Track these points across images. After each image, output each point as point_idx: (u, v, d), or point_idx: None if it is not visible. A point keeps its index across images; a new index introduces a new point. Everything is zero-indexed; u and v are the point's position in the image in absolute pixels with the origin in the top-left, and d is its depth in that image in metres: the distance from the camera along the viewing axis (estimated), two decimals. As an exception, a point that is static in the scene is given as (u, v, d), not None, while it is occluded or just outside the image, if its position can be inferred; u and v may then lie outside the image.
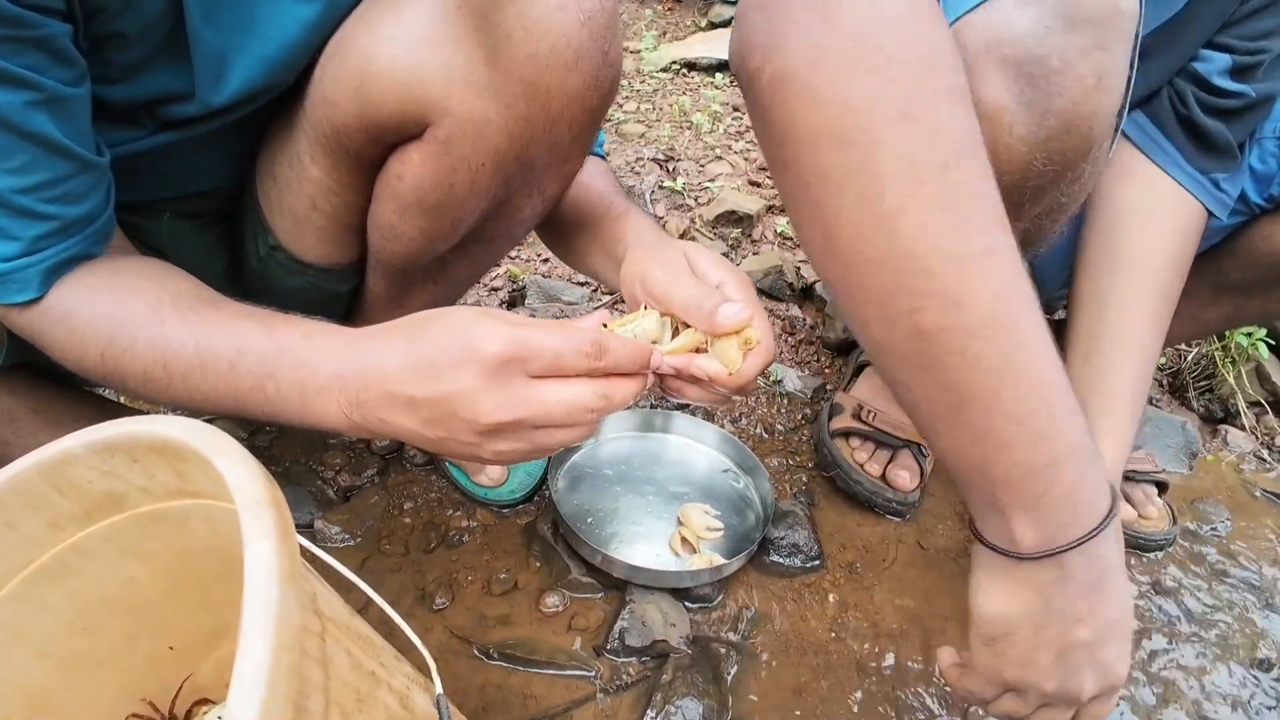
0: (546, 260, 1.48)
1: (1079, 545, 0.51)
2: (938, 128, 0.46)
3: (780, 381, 1.20)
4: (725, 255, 1.46)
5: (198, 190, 0.72)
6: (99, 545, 0.46)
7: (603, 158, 0.86)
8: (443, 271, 0.78)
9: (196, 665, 0.56)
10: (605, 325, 0.57)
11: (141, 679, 0.53)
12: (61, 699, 0.48)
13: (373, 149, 0.63)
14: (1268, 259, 0.90)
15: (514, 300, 1.35)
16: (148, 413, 0.64)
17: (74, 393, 0.77)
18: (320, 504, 0.92)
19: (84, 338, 0.54)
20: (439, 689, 0.48)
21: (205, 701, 0.56)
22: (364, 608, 0.62)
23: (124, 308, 0.55)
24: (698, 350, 0.58)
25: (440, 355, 0.47)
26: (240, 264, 0.79)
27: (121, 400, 0.89)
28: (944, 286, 0.47)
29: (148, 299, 0.55)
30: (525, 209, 0.72)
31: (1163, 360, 1.42)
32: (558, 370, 0.49)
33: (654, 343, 0.58)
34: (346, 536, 0.88)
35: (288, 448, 0.99)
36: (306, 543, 0.49)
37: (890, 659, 0.82)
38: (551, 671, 0.76)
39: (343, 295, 0.81)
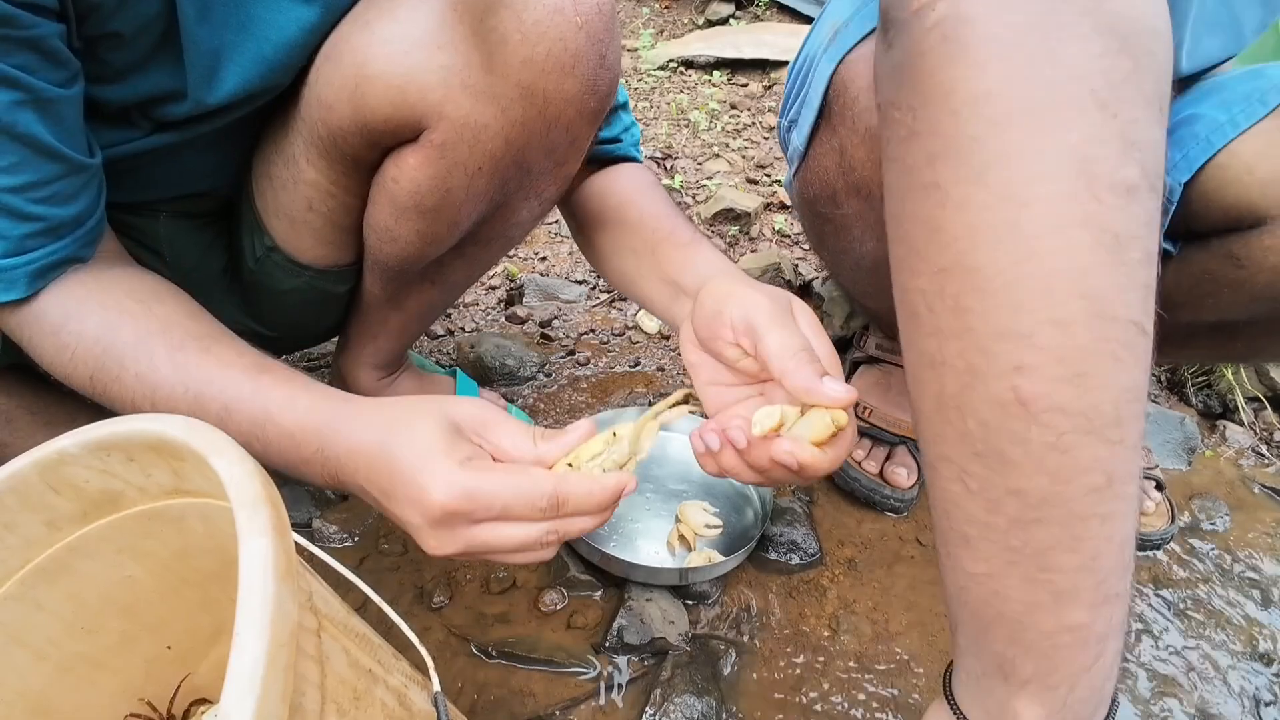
0: (544, 259, 1.48)
1: None
2: (1135, 139, 0.34)
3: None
4: (723, 253, 1.46)
5: (194, 190, 0.72)
6: (96, 545, 0.46)
7: (638, 159, 0.84)
8: (440, 273, 0.78)
9: (195, 665, 0.56)
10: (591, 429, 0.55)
11: (140, 679, 0.53)
12: (60, 700, 0.48)
13: (368, 152, 0.63)
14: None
15: (511, 299, 1.35)
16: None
17: (71, 394, 0.77)
18: (318, 503, 0.92)
19: (73, 356, 0.55)
20: (437, 687, 0.48)
21: (203, 701, 0.56)
22: (362, 606, 0.62)
23: (112, 331, 0.54)
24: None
25: (397, 479, 0.48)
26: (238, 264, 0.79)
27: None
28: (1075, 350, 0.34)
29: (136, 328, 0.55)
30: (522, 211, 0.72)
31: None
32: (507, 519, 0.48)
33: (627, 460, 0.54)
34: (344, 535, 0.88)
35: (286, 447, 0.99)
36: (304, 541, 0.49)
37: (889, 655, 0.82)
38: (550, 669, 0.76)
39: (340, 296, 0.81)
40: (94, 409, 0.75)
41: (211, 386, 0.53)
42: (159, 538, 0.48)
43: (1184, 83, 0.77)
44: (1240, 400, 1.33)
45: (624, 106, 0.84)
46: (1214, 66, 0.78)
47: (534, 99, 0.56)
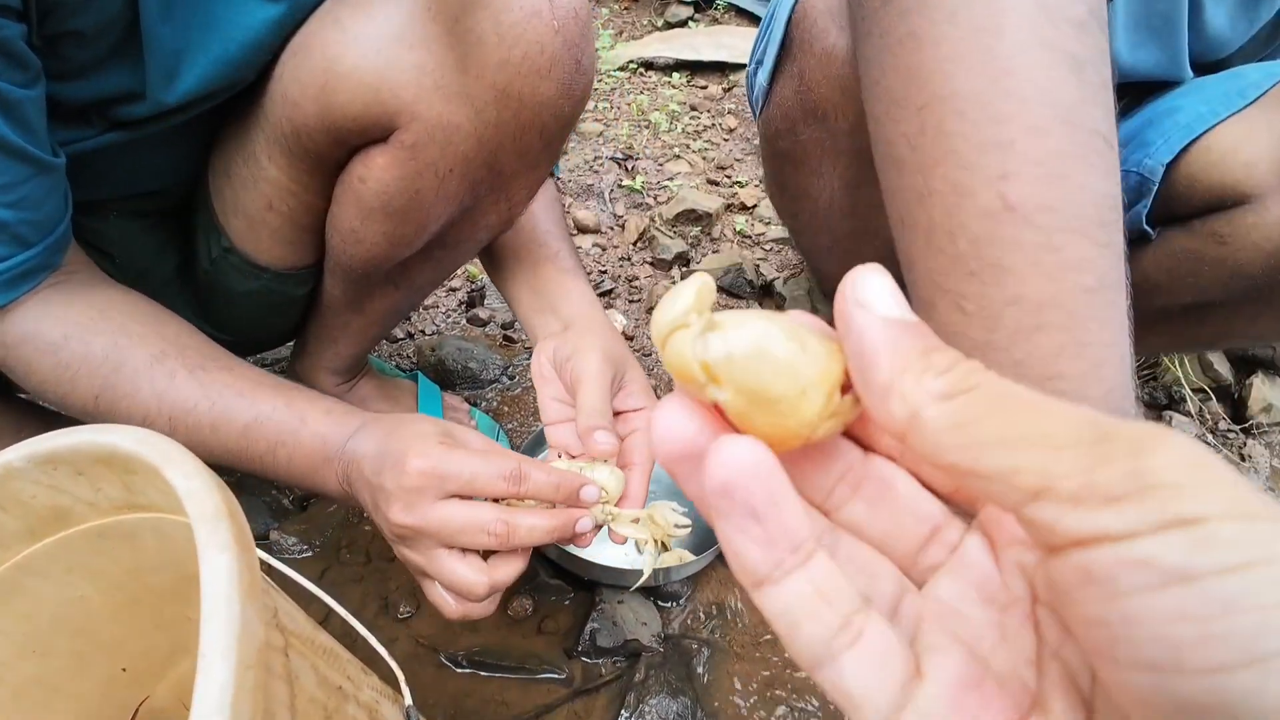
0: (507, 260, 1.46)
1: None
2: None
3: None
4: (684, 254, 1.46)
5: (147, 189, 0.69)
6: (46, 564, 0.44)
7: (554, 175, 0.85)
8: (404, 276, 0.77)
9: (152, 686, 0.54)
10: (560, 456, 0.64)
11: (96, 702, 0.51)
12: (10, 727, 0.46)
13: (334, 150, 0.61)
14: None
15: (472, 300, 1.34)
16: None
17: (15, 403, 0.74)
18: (275, 514, 0.89)
19: (75, 375, 0.55)
20: (408, 700, 0.47)
21: (162, 723, 0.54)
22: (325, 619, 0.60)
23: (122, 352, 0.55)
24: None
25: (387, 458, 0.53)
26: (191, 266, 0.76)
27: (64, 412, 0.85)
28: (1053, 153, 0.37)
29: (150, 348, 0.56)
30: (492, 215, 0.70)
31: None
32: (472, 492, 0.52)
33: (605, 502, 0.62)
34: (304, 547, 0.86)
35: (243, 457, 0.96)
36: (264, 555, 0.47)
37: (858, 650, 0.83)
38: (523, 676, 0.75)
39: (299, 299, 0.79)
40: (40, 421, 0.72)
41: (240, 400, 0.56)
42: (110, 555, 0.46)
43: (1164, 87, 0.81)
44: (1187, 392, 1.38)
45: None
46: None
47: (508, 102, 0.56)
